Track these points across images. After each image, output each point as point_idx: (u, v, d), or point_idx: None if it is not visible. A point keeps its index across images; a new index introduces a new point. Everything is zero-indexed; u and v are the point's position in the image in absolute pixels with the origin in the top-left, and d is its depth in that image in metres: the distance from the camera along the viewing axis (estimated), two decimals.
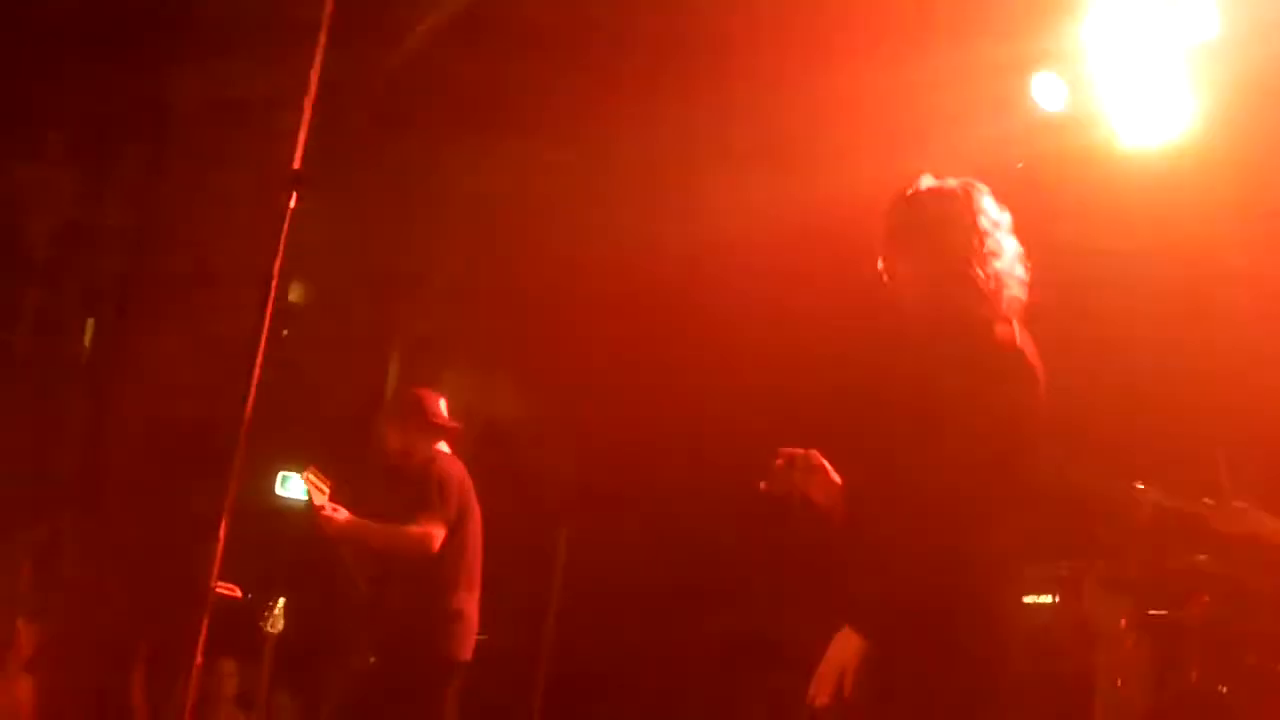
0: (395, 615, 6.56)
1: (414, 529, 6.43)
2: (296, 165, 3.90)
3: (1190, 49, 6.98)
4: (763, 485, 3.96)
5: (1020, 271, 3.91)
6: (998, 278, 3.85)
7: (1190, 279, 7.46)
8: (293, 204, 3.86)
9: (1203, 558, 6.41)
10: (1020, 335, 3.79)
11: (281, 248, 3.83)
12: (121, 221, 9.34)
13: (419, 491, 6.56)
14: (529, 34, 8.35)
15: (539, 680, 8.34)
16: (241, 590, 6.57)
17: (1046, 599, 6.73)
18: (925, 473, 3.60)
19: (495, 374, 10.96)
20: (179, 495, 7.43)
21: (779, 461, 3.95)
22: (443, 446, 6.87)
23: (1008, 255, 3.90)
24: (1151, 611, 6.35)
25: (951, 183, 3.95)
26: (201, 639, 3.73)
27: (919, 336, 3.89)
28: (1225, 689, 6.07)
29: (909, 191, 3.96)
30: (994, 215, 3.92)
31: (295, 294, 10.43)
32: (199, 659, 3.74)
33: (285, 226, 3.85)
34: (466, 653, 6.61)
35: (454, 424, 6.92)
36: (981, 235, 3.86)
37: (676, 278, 8.90)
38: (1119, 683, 6.15)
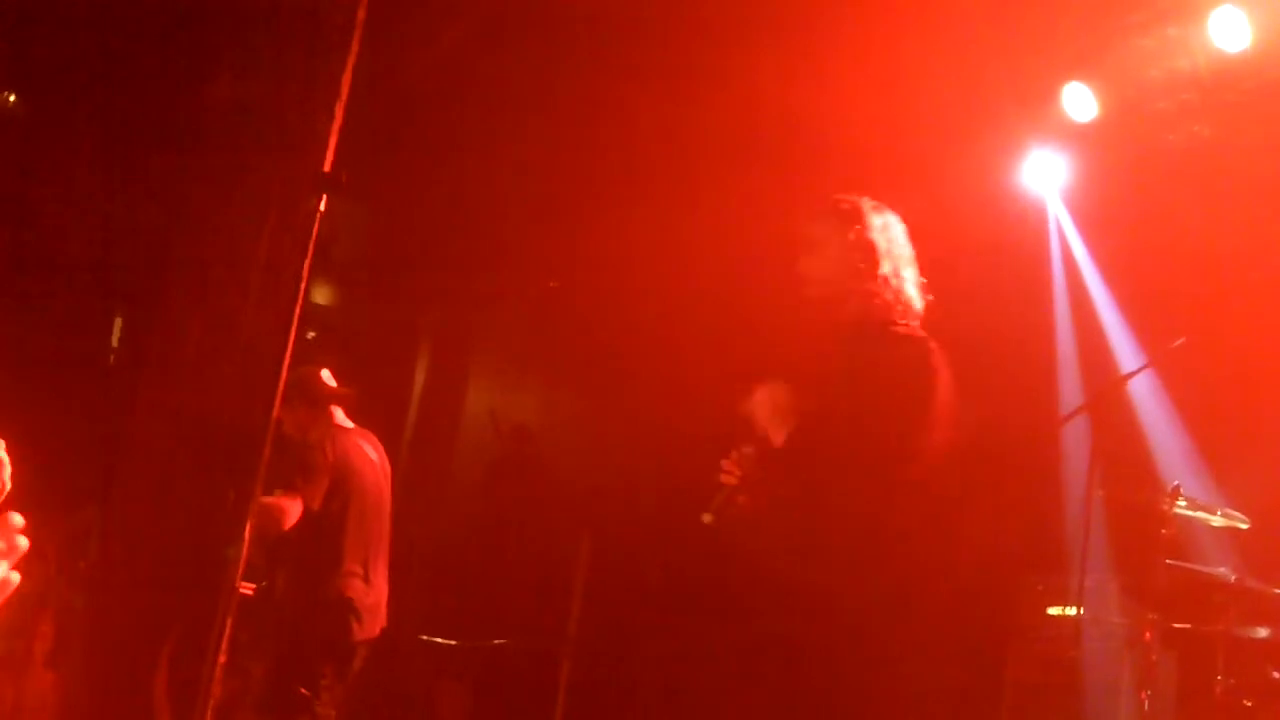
0: (283, 603, 6.55)
1: (262, 499, 6.33)
2: (326, 167, 3.90)
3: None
4: (706, 518, 4.33)
5: (915, 290, 4.38)
6: (898, 286, 4.33)
7: None
8: (322, 206, 3.85)
9: (1227, 570, 6.40)
10: (919, 334, 4.24)
11: (310, 249, 3.83)
12: (150, 221, 9.37)
13: (288, 470, 6.48)
14: (558, 35, 8.36)
15: (561, 682, 8.34)
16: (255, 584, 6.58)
17: (1072, 611, 6.71)
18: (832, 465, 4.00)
19: (522, 376, 10.98)
20: (205, 494, 7.46)
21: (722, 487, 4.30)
22: (340, 416, 6.81)
23: (906, 269, 4.39)
24: (1176, 624, 6.33)
25: (861, 200, 4.45)
26: (226, 637, 3.74)
27: (829, 335, 4.35)
28: (1250, 702, 6.05)
29: (821, 205, 4.46)
30: (894, 232, 4.43)
31: (322, 296, 10.47)
32: (223, 657, 3.74)
33: (314, 228, 3.86)
34: (362, 634, 6.52)
35: (342, 390, 6.84)
36: (878, 247, 4.34)
37: (704, 279, 8.89)
38: (1144, 695, 6.13)
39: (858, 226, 4.36)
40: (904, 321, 4.28)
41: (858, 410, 4.03)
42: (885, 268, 4.33)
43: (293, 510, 6.36)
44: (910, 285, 4.37)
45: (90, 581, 8.14)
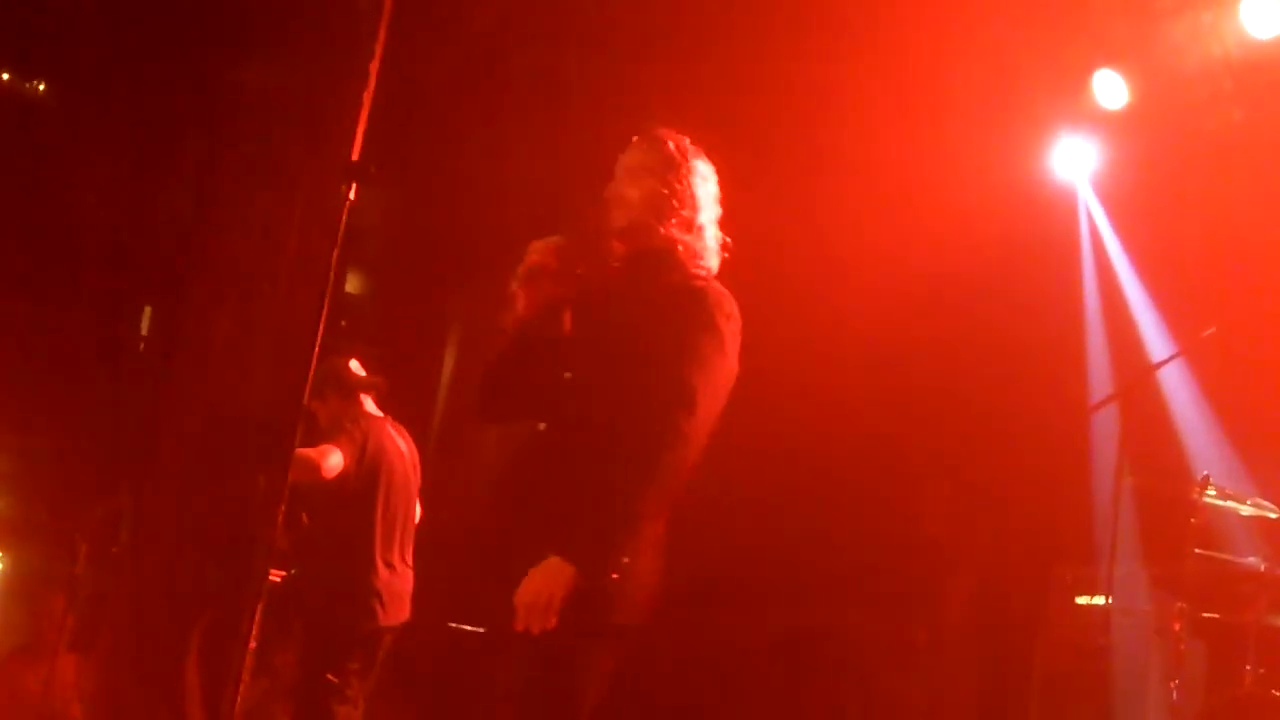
0: (310, 590, 6.55)
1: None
2: (355, 156, 3.90)
3: None
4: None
5: (717, 247, 4.28)
6: (705, 241, 4.23)
7: None
8: (352, 196, 3.86)
9: (1257, 560, 6.37)
10: (717, 284, 4.15)
11: (340, 238, 3.84)
12: (180, 209, 9.42)
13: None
14: (589, 20, 8.35)
15: None
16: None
17: (1100, 600, 6.69)
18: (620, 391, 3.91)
19: None
20: (235, 481, 7.50)
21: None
22: (370, 405, 6.81)
23: (710, 217, 4.28)
24: (1206, 614, 6.30)
25: (687, 143, 4.31)
26: (256, 624, 3.75)
27: (618, 269, 4.23)
28: None
29: (648, 138, 4.33)
30: (711, 185, 4.30)
31: (352, 285, 10.48)
32: (252, 644, 3.76)
33: (343, 217, 3.86)
34: (388, 620, 6.52)
35: (372, 379, 6.84)
36: (696, 197, 4.23)
37: (744, 269, 8.87)
38: (1172, 685, 6.11)
39: (683, 170, 4.24)
40: (702, 272, 4.17)
41: (636, 349, 3.94)
42: (700, 218, 4.22)
43: (326, 462, 6.33)
44: (714, 242, 4.28)
45: (122, 566, 8.19)
